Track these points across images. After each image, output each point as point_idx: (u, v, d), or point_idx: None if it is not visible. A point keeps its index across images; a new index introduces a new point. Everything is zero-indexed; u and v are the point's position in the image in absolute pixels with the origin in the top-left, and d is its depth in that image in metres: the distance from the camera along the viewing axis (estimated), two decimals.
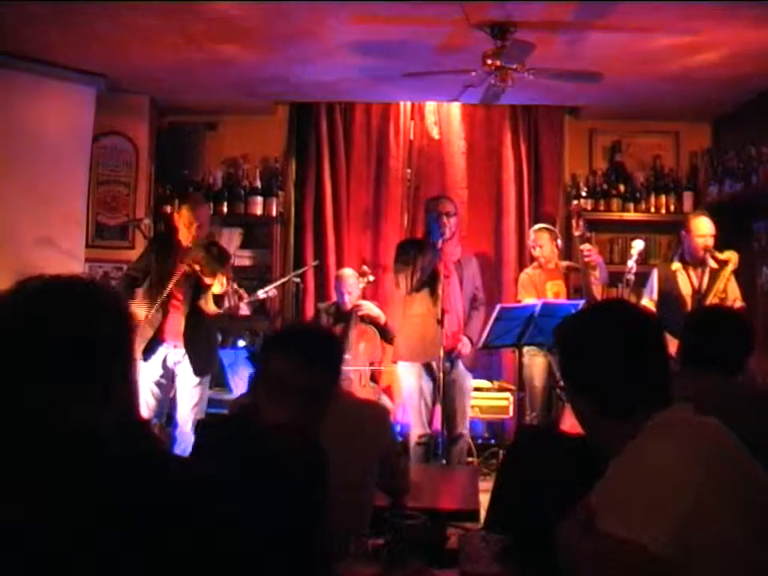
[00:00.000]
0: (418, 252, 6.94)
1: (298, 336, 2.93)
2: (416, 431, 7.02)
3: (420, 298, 6.96)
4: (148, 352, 6.67)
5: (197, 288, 6.66)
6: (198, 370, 6.72)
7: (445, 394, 6.90)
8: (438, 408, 7.02)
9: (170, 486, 1.86)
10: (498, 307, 6.72)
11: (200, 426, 3.14)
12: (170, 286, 6.61)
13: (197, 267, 6.57)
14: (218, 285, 6.57)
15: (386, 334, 7.83)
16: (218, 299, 6.66)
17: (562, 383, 2.59)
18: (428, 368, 6.96)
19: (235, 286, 6.89)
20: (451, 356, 6.94)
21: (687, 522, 2.04)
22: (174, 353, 6.73)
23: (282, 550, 2.48)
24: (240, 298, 6.95)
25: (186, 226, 6.72)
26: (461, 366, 7.09)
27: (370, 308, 7.84)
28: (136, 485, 1.79)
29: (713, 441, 2.22)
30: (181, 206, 7.01)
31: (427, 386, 6.97)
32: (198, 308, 6.67)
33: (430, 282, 6.93)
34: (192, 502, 1.87)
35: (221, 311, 6.72)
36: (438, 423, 7.04)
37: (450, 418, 7.05)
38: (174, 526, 1.80)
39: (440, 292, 6.74)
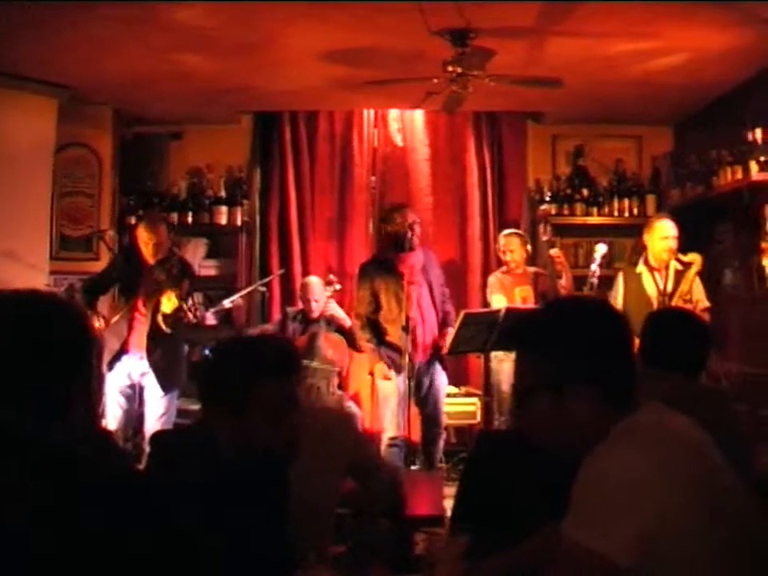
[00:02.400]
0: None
1: (279, 353, 2.89)
2: (388, 433, 7.05)
3: (388, 320, 7.01)
4: (112, 362, 6.65)
5: (156, 307, 6.66)
6: (164, 388, 6.73)
7: (425, 396, 7.14)
8: (412, 413, 7.06)
9: (119, 497, 1.86)
10: (462, 313, 6.73)
11: (154, 438, 3.12)
12: (135, 299, 6.67)
13: (154, 286, 6.58)
14: (166, 303, 6.54)
15: (351, 340, 7.83)
16: (167, 319, 6.63)
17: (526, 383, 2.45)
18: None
19: (192, 300, 6.81)
20: (431, 359, 7.14)
21: (651, 532, 2.02)
22: (138, 364, 6.71)
23: (233, 558, 2.48)
24: (197, 314, 6.86)
25: (144, 244, 6.74)
26: (437, 366, 7.21)
27: (336, 309, 7.84)
28: (86, 496, 1.80)
29: (684, 446, 2.19)
30: (138, 224, 7.00)
31: (405, 388, 7.01)
32: (158, 326, 6.66)
33: (395, 298, 7.04)
34: (138, 515, 1.88)
35: (172, 332, 6.69)
36: (408, 429, 7.05)
37: (430, 418, 7.21)
38: (119, 536, 1.81)
39: (404, 305, 6.82)
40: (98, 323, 6.68)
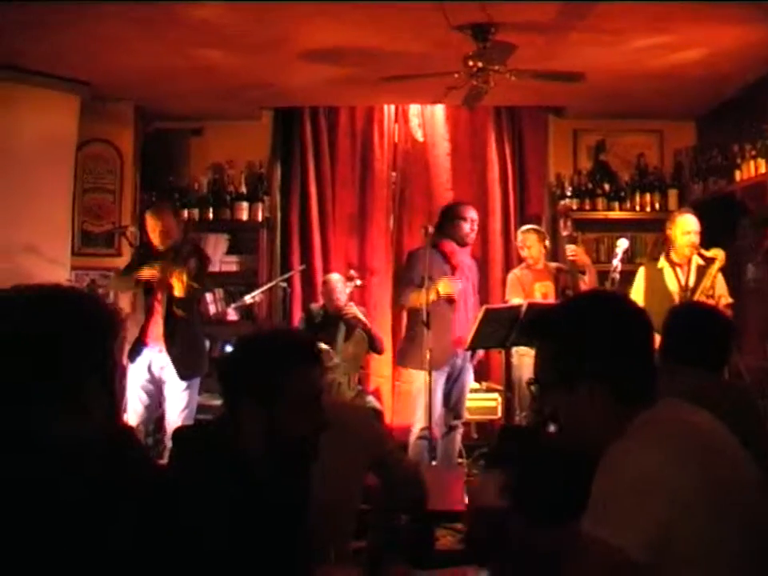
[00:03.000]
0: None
1: (305, 345, 2.92)
2: (419, 425, 7.01)
3: (434, 304, 6.93)
4: (133, 354, 6.66)
5: (170, 293, 6.66)
6: (182, 375, 6.69)
7: (450, 389, 7.20)
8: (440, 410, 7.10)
9: (141, 494, 1.86)
10: (483, 309, 6.73)
11: (176, 434, 3.12)
12: (152, 289, 6.68)
13: (165, 273, 6.59)
14: (177, 285, 6.54)
15: (372, 343, 7.85)
16: (181, 302, 6.63)
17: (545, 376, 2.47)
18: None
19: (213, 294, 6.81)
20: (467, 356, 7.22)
21: (667, 527, 2.03)
22: (159, 357, 6.70)
23: (254, 554, 2.48)
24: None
25: (151, 231, 6.76)
26: (467, 363, 7.31)
27: (356, 311, 7.83)
28: (106, 493, 1.80)
29: (701, 441, 2.18)
30: (146, 214, 7.02)
31: (442, 382, 7.05)
32: (173, 313, 6.65)
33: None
34: (160, 511, 1.88)
35: (186, 315, 6.67)
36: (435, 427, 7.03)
37: (452, 411, 7.28)
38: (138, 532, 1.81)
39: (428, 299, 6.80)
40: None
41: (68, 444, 1.84)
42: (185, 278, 6.52)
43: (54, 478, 1.79)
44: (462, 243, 7.24)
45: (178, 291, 6.55)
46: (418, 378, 7.04)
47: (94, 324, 1.98)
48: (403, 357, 7.43)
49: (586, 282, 7.36)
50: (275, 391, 2.72)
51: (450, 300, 6.98)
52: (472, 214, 7.32)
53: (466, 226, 7.22)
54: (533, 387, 2.45)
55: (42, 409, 1.86)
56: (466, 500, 2.62)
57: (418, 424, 7.03)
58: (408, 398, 7.62)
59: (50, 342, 1.89)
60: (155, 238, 6.77)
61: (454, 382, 7.21)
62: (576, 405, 2.33)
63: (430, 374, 6.69)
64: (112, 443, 1.96)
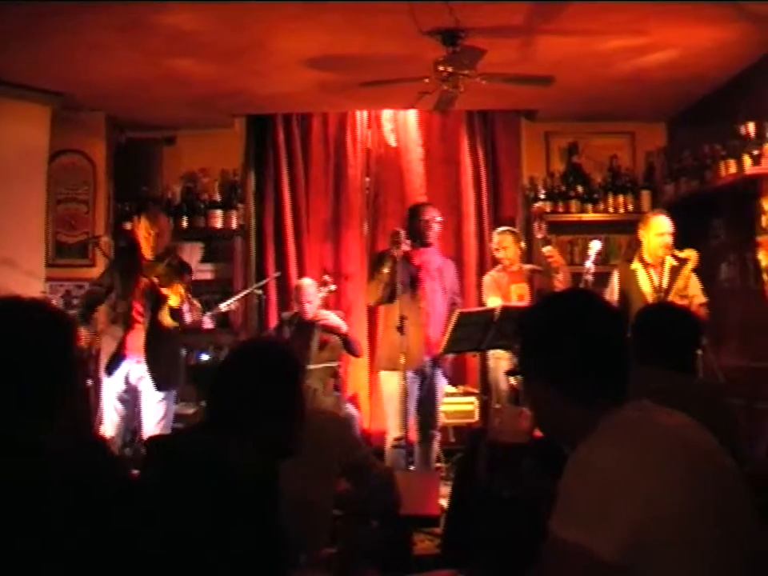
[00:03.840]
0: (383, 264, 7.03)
1: (293, 354, 3.02)
2: (392, 434, 6.99)
3: (401, 306, 6.92)
4: (111, 367, 6.62)
5: (157, 302, 6.59)
6: (158, 385, 6.63)
7: (424, 395, 7.11)
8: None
9: (110, 502, 1.86)
10: (456, 313, 6.73)
11: (150, 443, 3.12)
12: (133, 300, 6.61)
13: (155, 280, 6.53)
14: (174, 297, 6.50)
15: (348, 346, 7.83)
16: (175, 313, 6.58)
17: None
18: (416, 371, 7.03)
19: (194, 300, 6.79)
20: (437, 361, 7.09)
21: (637, 527, 2.03)
22: (136, 368, 6.64)
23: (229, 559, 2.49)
24: (195, 310, 6.82)
25: (145, 237, 6.67)
26: (439, 368, 7.20)
27: (329, 317, 7.81)
28: (74, 496, 1.80)
29: (673, 443, 2.19)
30: (139, 217, 6.96)
31: (413, 389, 7.01)
32: (159, 322, 6.61)
33: (411, 289, 7.05)
34: (133, 519, 1.88)
35: (177, 325, 6.64)
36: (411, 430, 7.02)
37: (427, 418, 7.18)
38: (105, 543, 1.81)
39: (398, 300, 6.78)
40: (89, 336, 6.67)
41: (33, 449, 1.84)
42: (182, 290, 6.50)
43: (25, 482, 1.80)
44: (423, 243, 7.22)
45: (174, 302, 6.52)
46: (388, 383, 7.03)
47: (58, 336, 1.98)
48: (377, 359, 7.44)
49: (561, 281, 7.37)
50: (276, 398, 2.82)
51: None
52: (431, 212, 7.30)
53: (424, 225, 7.23)
54: (511, 378, 2.53)
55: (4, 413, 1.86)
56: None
57: (392, 432, 7.01)
58: None
59: (9, 351, 1.89)
60: (147, 244, 6.64)
61: (427, 390, 7.15)
62: (541, 400, 2.38)
63: (404, 377, 6.69)
64: (77, 450, 1.96)
